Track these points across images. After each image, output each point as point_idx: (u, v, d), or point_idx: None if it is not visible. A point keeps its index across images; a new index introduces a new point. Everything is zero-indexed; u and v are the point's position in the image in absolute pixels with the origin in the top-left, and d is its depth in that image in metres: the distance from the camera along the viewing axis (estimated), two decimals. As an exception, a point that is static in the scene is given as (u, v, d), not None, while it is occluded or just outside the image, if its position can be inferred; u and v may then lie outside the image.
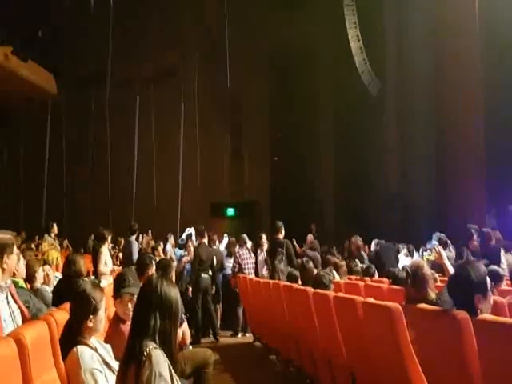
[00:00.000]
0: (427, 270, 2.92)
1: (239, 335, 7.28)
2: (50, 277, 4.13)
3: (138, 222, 13.05)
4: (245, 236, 7.70)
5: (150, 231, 10.64)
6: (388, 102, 13.80)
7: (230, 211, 15.73)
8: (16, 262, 2.69)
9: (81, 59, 14.63)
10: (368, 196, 14.22)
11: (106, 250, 6.36)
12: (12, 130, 14.72)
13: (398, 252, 8.41)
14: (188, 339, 4.12)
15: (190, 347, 4.17)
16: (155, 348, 1.89)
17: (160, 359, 1.87)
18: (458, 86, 11.45)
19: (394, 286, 4.21)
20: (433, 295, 2.85)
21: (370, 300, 2.92)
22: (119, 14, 14.57)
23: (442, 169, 12.01)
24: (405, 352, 2.55)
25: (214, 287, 7.22)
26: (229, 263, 7.87)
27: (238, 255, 7.41)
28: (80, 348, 2.32)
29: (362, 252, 7.88)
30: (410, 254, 8.63)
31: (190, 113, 15.14)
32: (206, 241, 7.42)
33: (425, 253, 7.82)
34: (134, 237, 7.48)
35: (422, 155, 12.40)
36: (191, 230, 9.14)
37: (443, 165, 11.95)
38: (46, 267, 4.17)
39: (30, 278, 3.82)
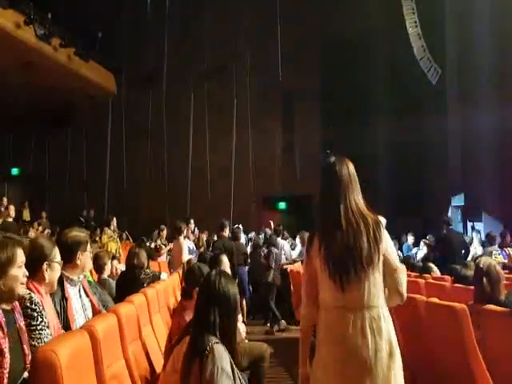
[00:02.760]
0: (499, 269, 2.79)
1: (274, 328, 7.18)
2: (118, 270, 4.31)
3: (193, 216, 13.39)
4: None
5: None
6: (449, 89, 13.20)
7: (282, 205, 15.73)
8: (89, 259, 2.84)
9: (138, 58, 15.13)
10: (429, 186, 13.72)
11: (183, 240, 6.95)
12: (75, 128, 15.47)
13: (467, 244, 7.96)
14: (244, 333, 4.19)
15: (246, 341, 4.23)
16: (217, 343, 1.93)
17: (222, 354, 1.91)
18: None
19: (458, 285, 4.05)
20: (503, 295, 2.72)
21: (434, 300, 2.83)
22: (173, 15, 14.91)
23: (507, 157, 11.37)
24: (470, 353, 2.47)
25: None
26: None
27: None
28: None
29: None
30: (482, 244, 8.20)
31: (242, 108, 15.25)
32: (226, 234, 7.50)
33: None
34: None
35: (487, 143, 11.79)
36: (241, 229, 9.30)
37: (508, 153, 11.31)
38: (114, 262, 4.36)
39: (99, 269, 4.01)
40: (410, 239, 11.25)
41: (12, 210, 7.68)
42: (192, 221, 9.39)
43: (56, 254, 2.38)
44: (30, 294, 2.21)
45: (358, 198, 2.07)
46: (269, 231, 9.19)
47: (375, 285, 1.92)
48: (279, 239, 7.81)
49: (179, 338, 2.62)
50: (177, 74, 14.97)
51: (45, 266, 2.32)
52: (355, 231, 1.95)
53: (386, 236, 2.00)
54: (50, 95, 13.43)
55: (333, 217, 1.99)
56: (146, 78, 14.94)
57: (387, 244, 1.98)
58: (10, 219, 7.51)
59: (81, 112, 15.10)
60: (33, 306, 2.16)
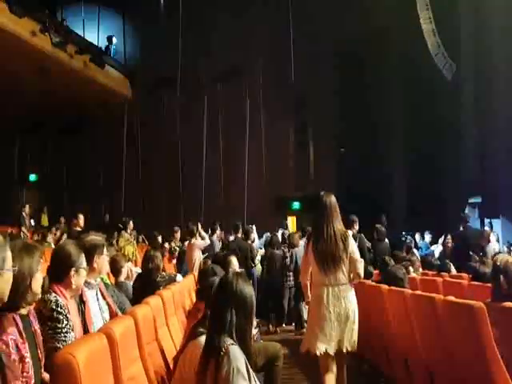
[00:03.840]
0: (517, 266, 2.75)
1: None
2: (132, 272, 4.37)
3: (207, 216, 13.40)
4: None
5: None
6: (464, 86, 13.01)
7: (296, 205, 15.69)
8: (106, 262, 2.89)
9: (152, 62, 15.26)
10: (444, 185, 13.55)
11: (195, 241, 7.15)
12: (91, 133, 15.66)
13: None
14: (257, 333, 4.19)
15: (261, 341, 4.23)
16: (233, 344, 1.94)
17: (238, 355, 1.92)
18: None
19: (475, 282, 3.99)
20: (520, 294, 2.68)
21: (451, 298, 2.80)
22: (187, 17, 15.00)
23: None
24: (488, 352, 2.44)
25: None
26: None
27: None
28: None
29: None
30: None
31: (256, 109, 15.27)
32: (240, 236, 7.54)
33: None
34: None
35: (503, 141, 11.60)
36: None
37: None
38: (129, 264, 4.41)
39: (116, 272, 4.07)
40: (428, 238, 11.14)
41: (81, 220, 7.93)
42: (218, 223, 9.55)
43: (82, 261, 2.44)
44: (55, 297, 2.26)
45: (336, 221, 3.42)
46: (286, 231, 9.13)
47: (343, 272, 3.38)
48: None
49: (183, 345, 2.65)
50: (190, 76, 15.05)
51: (72, 272, 2.37)
52: (333, 241, 3.36)
53: (351, 243, 3.43)
54: (67, 101, 13.64)
55: (321, 231, 3.40)
56: (160, 81, 15.05)
57: (352, 248, 3.42)
58: (79, 229, 7.69)
59: (96, 117, 15.28)
60: (59, 308, 2.21)
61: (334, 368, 3.34)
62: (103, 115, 15.17)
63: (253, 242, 8.15)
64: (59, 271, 2.36)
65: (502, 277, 2.73)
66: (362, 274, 3.47)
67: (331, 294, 3.31)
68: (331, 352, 3.30)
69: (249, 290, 2.08)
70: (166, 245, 8.76)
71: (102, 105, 14.55)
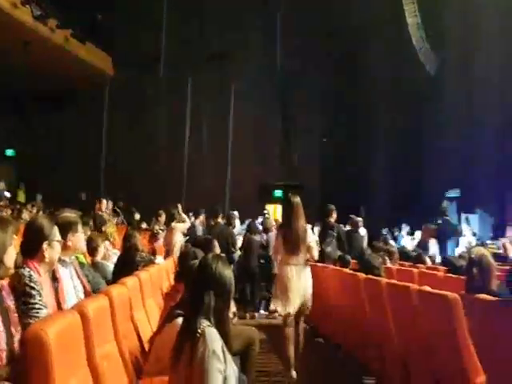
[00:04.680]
0: (491, 259, 2.80)
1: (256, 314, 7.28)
2: (109, 252, 4.31)
3: (189, 202, 13.30)
4: None
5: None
6: (448, 80, 13.11)
7: (278, 193, 15.73)
8: (81, 240, 2.83)
9: (136, 40, 14.95)
10: (423, 179, 13.73)
11: (176, 225, 7.11)
12: (71, 110, 15.31)
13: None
14: (235, 317, 4.22)
15: (238, 325, 4.24)
16: (209, 326, 1.93)
17: (214, 337, 1.91)
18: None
19: (450, 274, 4.06)
20: (495, 285, 2.73)
21: (426, 288, 2.84)
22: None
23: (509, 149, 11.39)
24: (461, 342, 2.48)
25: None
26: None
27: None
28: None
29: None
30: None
31: (240, 95, 15.16)
32: (221, 221, 7.50)
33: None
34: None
35: (486, 136, 11.80)
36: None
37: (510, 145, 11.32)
38: (106, 243, 4.35)
39: (92, 251, 4.01)
40: (406, 230, 11.33)
41: (104, 204, 7.90)
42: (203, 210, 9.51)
43: (56, 234, 2.40)
44: (29, 271, 2.21)
45: (300, 217, 4.34)
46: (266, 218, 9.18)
47: (303, 255, 4.32)
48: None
49: (160, 327, 2.63)
50: (175, 57, 14.83)
51: (45, 245, 2.32)
52: (296, 233, 4.28)
53: (309, 234, 4.42)
54: (48, 76, 13.29)
55: (289, 225, 4.36)
56: (144, 60, 14.78)
57: (310, 238, 4.39)
58: (101, 213, 7.69)
59: (77, 94, 14.95)
60: (32, 284, 2.16)
61: (293, 324, 4.38)
62: (84, 92, 14.85)
63: (234, 227, 8.15)
64: (32, 245, 2.31)
65: (475, 269, 2.78)
66: (316, 257, 4.59)
67: (294, 271, 4.28)
68: (292, 312, 4.31)
69: (228, 272, 2.06)
70: (144, 225, 8.68)
71: (83, 81, 14.23)
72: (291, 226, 4.26)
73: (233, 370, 1.96)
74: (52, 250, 2.35)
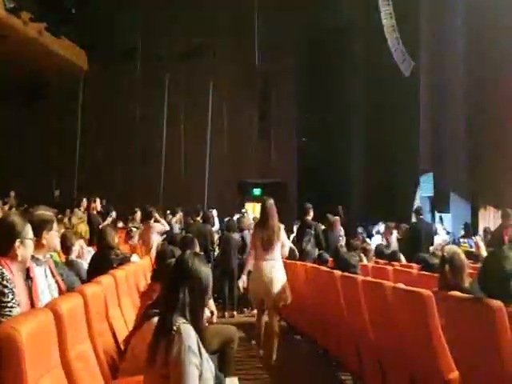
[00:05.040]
0: (463, 257, 2.86)
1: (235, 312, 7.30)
2: (83, 250, 4.24)
3: (166, 198, 13.17)
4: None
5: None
6: (422, 82, 13.36)
7: (257, 191, 15.75)
8: (56, 238, 2.78)
9: (112, 35, 14.71)
10: (399, 177, 13.96)
11: (154, 224, 7.12)
12: (45, 104, 14.98)
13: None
14: (215, 316, 4.19)
15: (217, 324, 4.23)
16: (184, 323, 1.92)
17: (189, 333, 1.89)
18: (496, 66, 11.00)
19: (424, 272, 4.14)
20: (467, 283, 2.79)
21: (400, 285, 2.88)
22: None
23: (478, 152, 11.69)
24: (435, 338, 2.52)
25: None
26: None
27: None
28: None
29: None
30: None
31: (219, 90, 15.10)
32: (200, 219, 7.47)
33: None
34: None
35: (457, 136, 12.07)
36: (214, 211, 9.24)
37: (479, 146, 11.63)
38: (81, 241, 4.28)
39: (66, 250, 3.93)
40: (382, 228, 11.47)
41: (98, 204, 7.73)
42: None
43: (28, 231, 2.34)
44: (1, 269, 2.16)
45: (274, 218, 4.78)
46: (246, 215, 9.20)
47: (277, 251, 4.74)
48: None
49: (137, 326, 2.60)
50: (151, 54, 14.66)
51: (17, 243, 2.27)
52: (270, 232, 4.71)
53: (282, 233, 4.82)
54: (21, 70, 12.98)
55: (263, 224, 4.79)
56: (120, 54, 14.56)
57: (283, 236, 4.82)
58: (95, 212, 7.56)
59: (51, 88, 14.62)
60: (4, 282, 2.11)
61: (266, 312, 4.82)
62: (58, 87, 14.54)
63: (213, 226, 8.11)
64: (3, 243, 2.26)
65: (447, 267, 2.83)
66: (287, 254, 5.10)
67: (268, 266, 4.70)
68: (266, 302, 4.75)
69: (204, 269, 2.05)
70: (120, 224, 8.56)
71: (57, 76, 13.93)
72: (266, 225, 4.74)
73: (209, 366, 1.96)
74: (25, 248, 2.30)
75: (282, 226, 4.90)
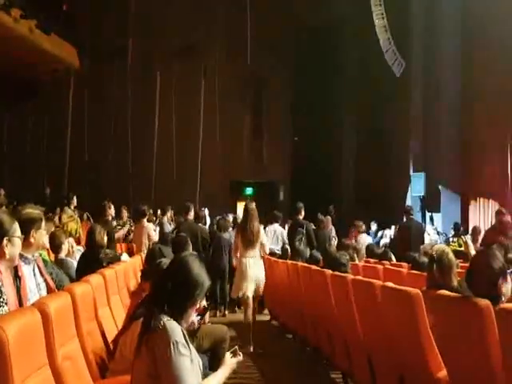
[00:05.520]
0: (452, 257, 2.88)
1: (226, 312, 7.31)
2: (73, 249, 4.21)
3: (158, 197, 13.07)
4: None
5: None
6: (413, 82, 13.42)
7: (249, 190, 15.76)
8: (44, 237, 2.75)
9: (103, 33, 14.63)
10: (391, 178, 14.02)
11: (147, 223, 7.18)
12: (36, 102, 14.84)
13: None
14: (207, 315, 4.19)
15: (209, 324, 4.23)
16: (169, 320, 1.91)
17: (175, 328, 1.88)
18: (486, 68, 11.12)
19: (414, 271, 4.16)
20: (455, 282, 2.81)
21: (390, 284, 2.90)
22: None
23: (468, 150, 11.81)
24: (423, 337, 2.54)
25: None
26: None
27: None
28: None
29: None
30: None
31: (211, 89, 15.06)
32: (191, 217, 7.40)
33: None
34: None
35: (448, 137, 12.16)
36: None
37: (470, 147, 11.74)
38: (70, 239, 4.25)
39: (56, 248, 3.90)
40: (374, 227, 11.51)
41: (112, 209, 7.66)
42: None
43: (16, 229, 2.31)
44: None
45: (254, 220, 5.36)
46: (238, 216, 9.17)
47: (257, 250, 5.39)
48: (277, 225, 7.40)
49: (126, 326, 2.58)
50: (142, 51, 14.59)
51: (5, 241, 2.24)
52: (251, 233, 5.31)
53: (262, 234, 5.46)
54: (11, 68, 12.85)
55: (245, 226, 5.36)
56: (111, 52, 14.46)
57: (262, 237, 5.43)
58: (110, 217, 7.47)
59: (42, 86, 14.50)
60: None
61: (251, 304, 5.43)
62: (49, 84, 14.41)
63: (205, 224, 8.07)
64: None
65: (435, 266, 2.85)
66: (268, 252, 5.97)
67: (250, 263, 5.33)
68: (250, 296, 5.37)
69: (200, 272, 2.04)
70: (114, 222, 8.48)
71: (47, 73, 13.81)
72: (247, 227, 5.33)
73: (198, 360, 1.95)
74: (12, 247, 2.27)
75: (262, 227, 5.60)
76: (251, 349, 5.09)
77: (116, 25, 14.48)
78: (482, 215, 11.45)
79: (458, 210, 11.84)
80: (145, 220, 7.28)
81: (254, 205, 5.49)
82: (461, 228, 9.85)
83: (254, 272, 5.29)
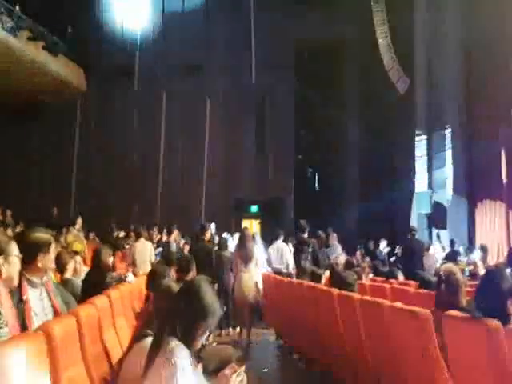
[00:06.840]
0: (460, 276, 2.85)
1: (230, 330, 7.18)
2: (81, 267, 4.19)
3: (163, 217, 13.05)
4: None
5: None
6: (417, 99, 13.47)
7: (254, 208, 15.71)
8: (52, 261, 2.71)
9: (110, 55, 14.86)
10: (395, 195, 13.97)
11: (146, 243, 7.38)
12: (42, 124, 15.00)
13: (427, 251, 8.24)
14: (211, 335, 4.14)
15: (214, 344, 4.19)
16: (177, 344, 1.90)
17: (183, 354, 1.87)
18: (489, 84, 11.16)
19: (422, 290, 4.12)
20: (464, 302, 2.77)
21: (398, 304, 2.86)
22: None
23: (472, 165, 11.80)
24: (432, 358, 2.50)
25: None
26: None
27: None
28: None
29: None
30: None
31: (215, 109, 15.19)
32: (207, 238, 7.27)
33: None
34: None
35: (453, 152, 12.17)
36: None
37: (474, 161, 11.73)
38: (78, 258, 4.23)
39: (61, 269, 3.89)
40: (383, 245, 11.42)
41: (155, 232, 7.87)
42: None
43: (12, 248, 2.28)
44: None
45: (250, 242, 6.85)
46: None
47: (252, 266, 6.68)
48: (280, 242, 7.41)
49: (129, 348, 2.57)
50: (149, 71, 14.78)
51: (1, 260, 2.22)
52: (248, 252, 6.71)
53: (255, 252, 6.81)
54: (18, 90, 13.04)
55: (243, 245, 6.81)
56: (117, 74, 14.68)
57: (257, 255, 6.84)
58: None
59: (48, 106, 14.68)
60: None
61: (246, 310, 6.50)
62: (55, 105, 14.58)
63: (214, 242, 8.01)
64: None
65: (443, 285, 2.82)
66: (261, 267, 6.88)
67: (247, 277, 6.49)
68: (248, 302, 6.46)
69: (212, 300, 2.04)
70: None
71: (54, 94, 13.99)
72: (244, 247, 6.59)
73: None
74: (9, 266, 2.24)
75: (256, 247, 6.95)
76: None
77: (122, 46, 14.71)
78: (491, 230, 11.34)
79: (465, 228, 11.77)
80: (142, 239, 7.30)
81: (249, 230, 7.19)
82: (460, 248, 9.78)
83: (249, 284, 6.49)
